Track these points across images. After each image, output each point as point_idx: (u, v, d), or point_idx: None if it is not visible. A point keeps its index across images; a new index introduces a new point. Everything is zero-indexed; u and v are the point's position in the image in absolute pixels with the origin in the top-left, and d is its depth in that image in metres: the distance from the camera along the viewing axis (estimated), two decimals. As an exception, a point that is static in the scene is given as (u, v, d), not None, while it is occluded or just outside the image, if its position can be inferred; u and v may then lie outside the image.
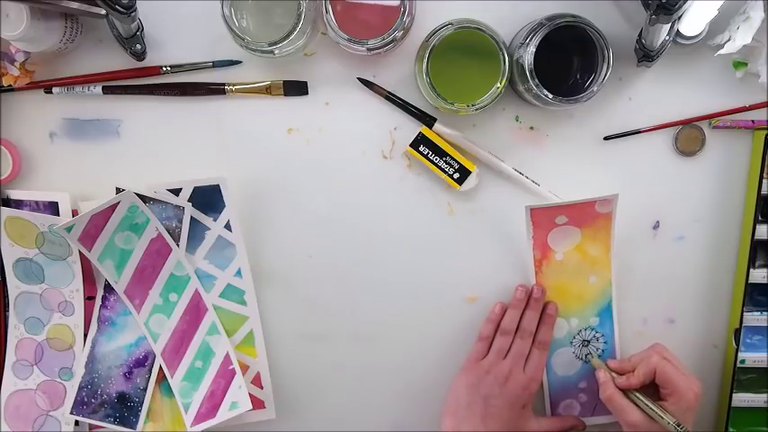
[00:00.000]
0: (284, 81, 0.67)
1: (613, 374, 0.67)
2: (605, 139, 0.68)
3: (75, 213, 0.67)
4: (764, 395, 0.70)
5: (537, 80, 0.60)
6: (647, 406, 0.64)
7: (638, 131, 0.68)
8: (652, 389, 0.66)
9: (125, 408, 0.69)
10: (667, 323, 0.71)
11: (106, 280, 0.68)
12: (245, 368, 0.70)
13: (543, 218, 0.67)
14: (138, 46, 0.64)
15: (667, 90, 0.68)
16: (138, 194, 0.65)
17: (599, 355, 0.70)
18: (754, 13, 0.61)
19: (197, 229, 0.68)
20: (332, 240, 0.70)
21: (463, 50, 0.62)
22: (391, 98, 0.67)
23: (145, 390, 0.69)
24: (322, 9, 0.60)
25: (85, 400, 0.69)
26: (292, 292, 0.70)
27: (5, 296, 0.69)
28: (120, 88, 0.67)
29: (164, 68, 0.67)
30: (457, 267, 0.70)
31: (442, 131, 0.67)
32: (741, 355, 0.69)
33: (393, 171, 0.69)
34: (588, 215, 0.67)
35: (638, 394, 0.65)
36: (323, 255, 0.70)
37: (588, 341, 0.70)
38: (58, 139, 0.68)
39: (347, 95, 0.68)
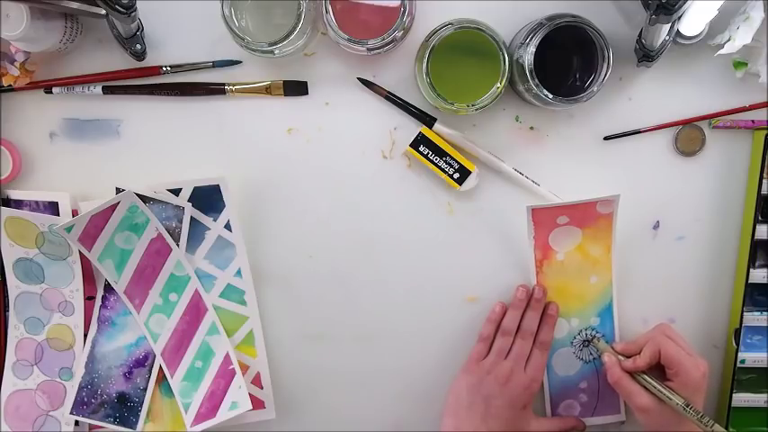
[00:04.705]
0: (284, 81, 0.67)
1: (620, 357, 0.66)
2: (605, 139, 0.68)
3: (75, 213, 0.67)
4: (764, 395, 0.70)
5: (537, 80, 0.60)
6: (655, 387, 0.63)
7: (638, 131, 0.68)
8: (658, 371, 0.65)
9: (125, 408, 0.69)
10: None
11: (106, 280, 0.68)
12: (245, 368, 0.70)
13: (545, 218, 0.67)
14: (138, 46, 0.64)
15: (667, 90, 0.68)
16: (138, 194, 0.65)
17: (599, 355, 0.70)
18: (754, 13, 0.61)
19: (197, 229, 0.68)
20: (332, 240, 0.70)
21: (463, 50, 0.62)
22: (391, 98, 0.67)
23: (145, 390, 0.69)
24: (322, 9, 0.60)
25: (85, 400, 0.69)
26: (292, 292, 0.70)
27: (5, 296, 0.69)
28: (120, 88, 0.67)
29: (164, 68, 0.67)
30: (457, 267, 0.70)
31: (441, 131, 0.67)
32: (741, 355, 0.69)
33: (393, 171, 0.69)
34: (589, 215, 0.67)
35: (645, 376, 0.64)
36: (323, 255, 0.70)
37: (589, 341, 0.70)
38: (58, 139, 0.68)
39: (347, 95, 0.68)
